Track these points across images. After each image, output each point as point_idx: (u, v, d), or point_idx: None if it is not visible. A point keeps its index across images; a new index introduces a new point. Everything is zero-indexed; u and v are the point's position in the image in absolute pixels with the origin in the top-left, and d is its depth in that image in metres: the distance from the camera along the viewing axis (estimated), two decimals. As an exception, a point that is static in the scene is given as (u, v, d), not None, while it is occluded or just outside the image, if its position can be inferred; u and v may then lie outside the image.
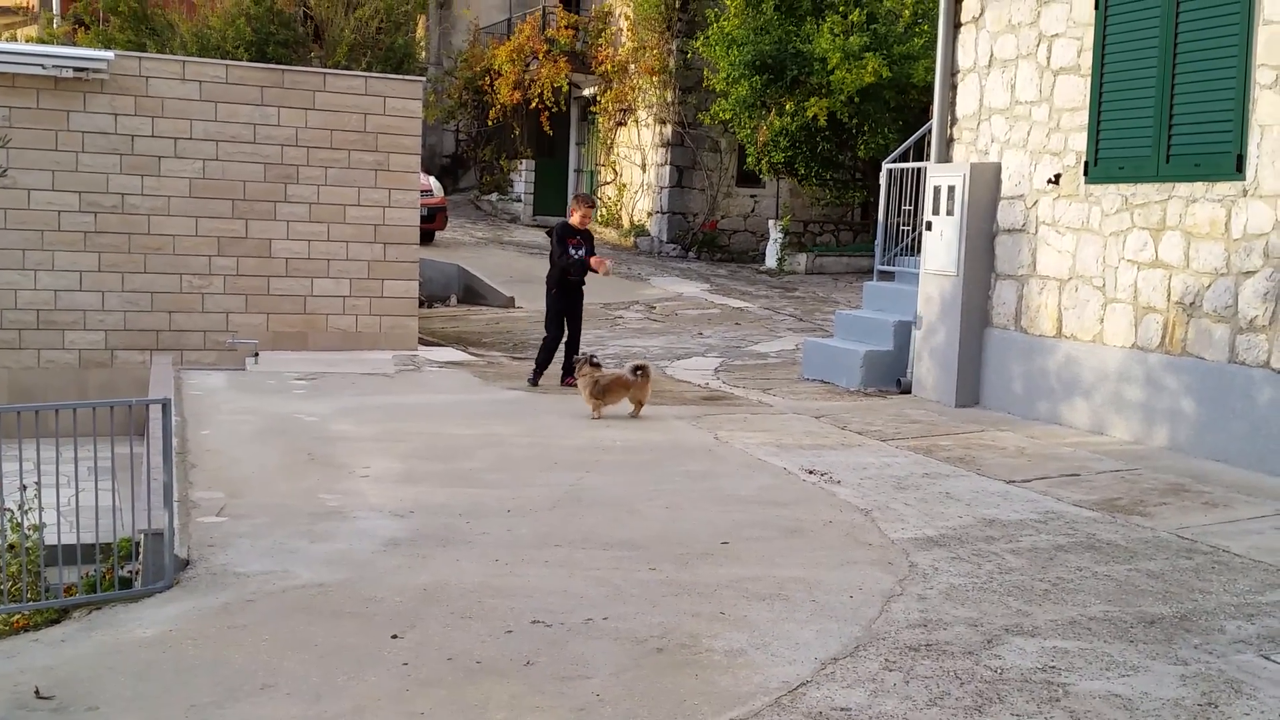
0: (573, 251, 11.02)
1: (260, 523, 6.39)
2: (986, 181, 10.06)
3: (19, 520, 5.89)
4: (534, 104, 26.48)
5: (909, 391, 10.81)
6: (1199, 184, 8.20)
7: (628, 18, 25.01)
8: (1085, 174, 9.11)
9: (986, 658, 4.63)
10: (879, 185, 12.21)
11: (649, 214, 24.79)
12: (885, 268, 12.18)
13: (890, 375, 11.03)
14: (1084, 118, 9.13)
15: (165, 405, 5.94)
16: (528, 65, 27.05)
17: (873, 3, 20.54)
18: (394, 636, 4.83)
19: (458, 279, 19.37)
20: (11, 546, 5.91)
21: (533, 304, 17.63)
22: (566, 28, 26.73)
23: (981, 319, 10.17)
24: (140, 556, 5.70)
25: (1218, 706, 4.21)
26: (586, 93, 27.28)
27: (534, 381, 11.04)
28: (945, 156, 10.69)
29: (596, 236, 25.03)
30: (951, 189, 10.21)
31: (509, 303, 18.04)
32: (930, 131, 10.98)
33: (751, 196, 24.56)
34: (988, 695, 4.28)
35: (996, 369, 10.04)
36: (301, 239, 12.42)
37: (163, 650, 4.77)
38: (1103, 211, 8.99)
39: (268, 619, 5.05)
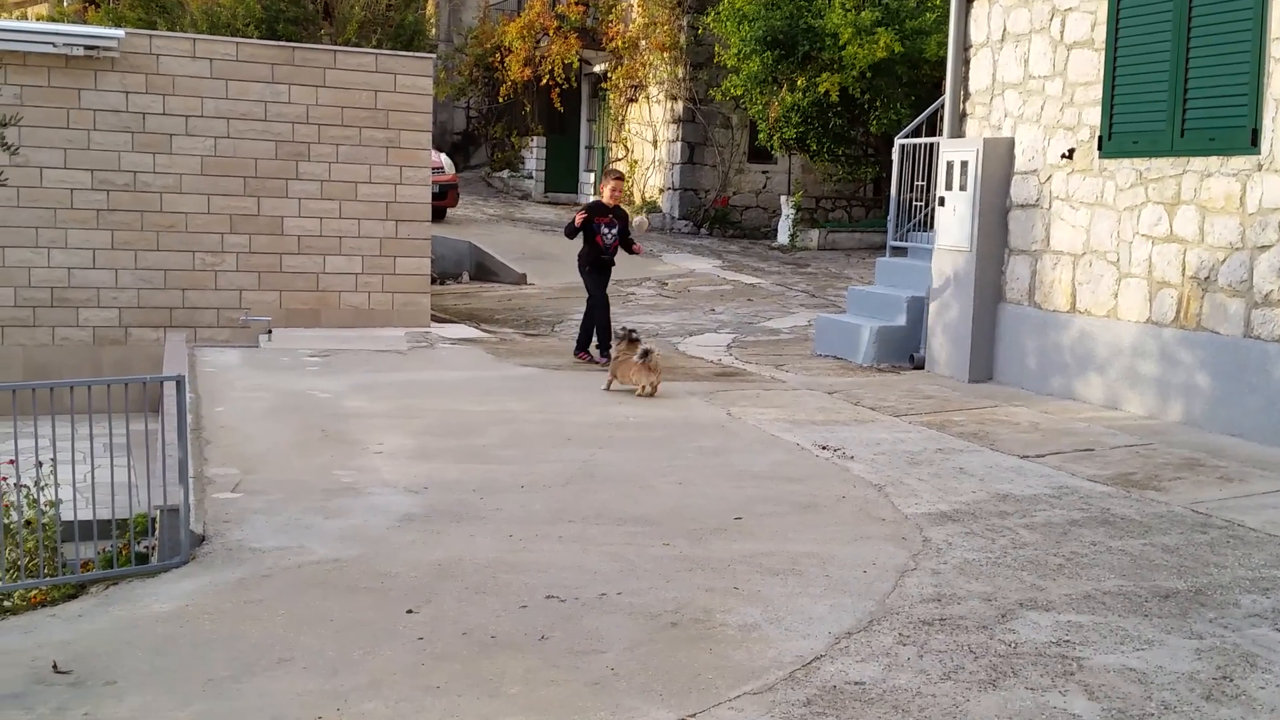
0: (605, 230, 10.88)
1: (275, 499, 6.42)
2: (1000, 156, 10.01)
3: (36, 496, 5.92)
4: (545, 80, 26.40)
5: (922, 367, 10.79)
6: (1214, 158, 8.15)
7: (638, -7, 24.93)
8: (1099, 148, 9.06)
9: (1001, 632, 4.63)
10: (891, 161, 12.17)
11: (660, 190, 24.74)
12: (898, 243, 12.15)
13: (903, 351, 11.01)
14: (1098, 92, 9.07)
15: (179, 382, 5.95)
16: (538, 42, 26.97)
17: (885, -23, 20.42)
18: (409, 611, 4.85)
19: (469, 256, 19.35)
20: (28, 522, 5.94)
21: (545, 281, 17.64)
22: (577, 4, 26.63)
23: (995, 294, 10.14)
24: (156, 532, 5.73)
25: (1232, 680, 4.21)
26: (597, 69, 27.19)
27: (603, 353, 10.79)
28: (958, 131, 10.64)
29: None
30: (964, 164, 10.17)
31: (521, 279, 18.02)
32: (943, 107, 10.93)
33: (763, 172, 24.48)
34: (1002, 669, 4.29)
35: (1010, 344, 10.01)
36: (313, 216, 12.42)
37: (179, 625, 4.79)
38: (1117, 186, 8.94)
39: (283, 594, 5.08)
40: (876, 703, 4.02)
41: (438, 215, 20.05)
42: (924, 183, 11.49)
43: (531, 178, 28.92)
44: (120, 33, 11.99)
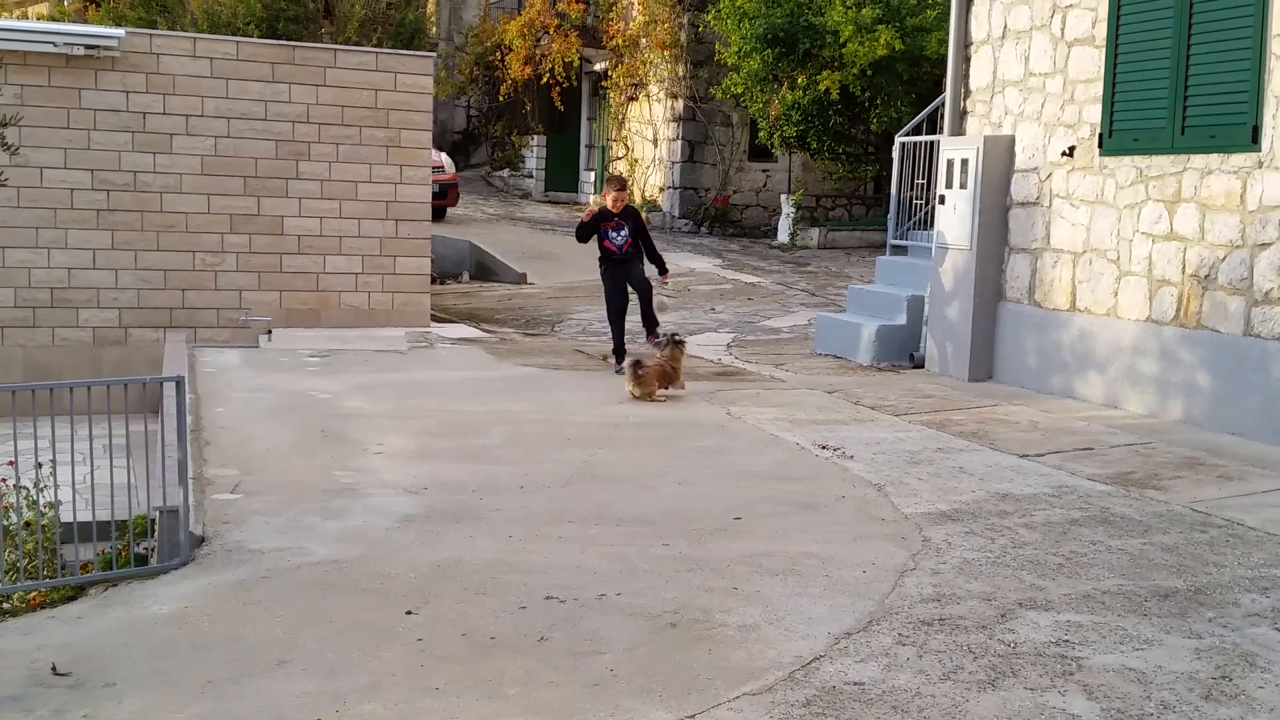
0: (613, 235, 10.73)
1: (275, 500, 6.42)
2: (1000, 154, 10.00)
3: (35, 498, 5.91)
4: (545, 79, 26.40)
5: (922, 366, 10.78)
6: (1214, 156, 8.14)
7: (638, -9, 24.94)
8: (1100, 146, 9.05)
9: (1000, 632, 4.63)
10: (891, 159, 12.16)
11: (661, 189, 24.73)
12: (898, 242, 12.14)
13: (903, 350, 11.00)
14: (1098, 89, 9.07)
15: (179, 383, 5.95)
16: (539, 40, 26.96)
17: (885, -25, 20.41)
18: (409, 612, 4.85)
19: (470, 255, 19.35)
20: (28, 524, 5.93)
21: (545, 280, 17.64)
22: (577, 2, 26.63)
23: (995, 293, 10.14)
24: (156, 534, 5.73)
25: (1232, 679, 4.21)
26: (598, 67, 27.19)
27: (617, 361, 10.66)
28: (958, 129, 10.64)
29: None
30: (965, 162, 10.16)
31: (521, 279, 18.02)
32: (943, 104, 10.92)
33: (763, 171, 24.47)
34: (1001, 669, 4.28)
35: (1010, 343, 10.01)
36: (313, 216, 12.41)
37: (179, 627, 4.79)
38: (1117, 184, 8.94)
39: (283, 595, 5.08)
40: (876, 703, 4.02)
41: (438, 215, 20.05)
42: (924, 181, 11.49)
43: (532, 177, 28.92)
44: (120, 32, 11.99)
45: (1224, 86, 8.04)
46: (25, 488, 5.87)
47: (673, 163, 24.31)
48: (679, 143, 24.18)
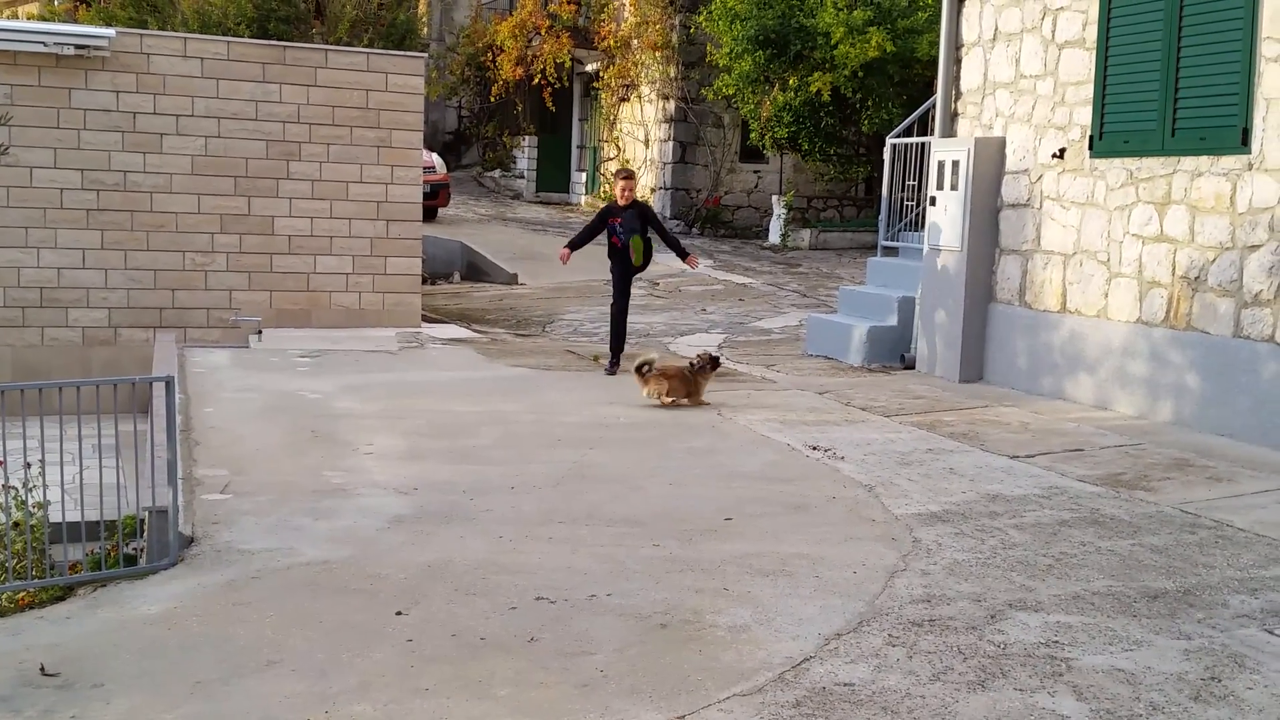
0: (619, 229, 10.59)
1: (264, 500, 6.41)
2: (991, 156, 10.02)
3: (24, 498, 5.90)
4: (536, 80, 26.38)
5: (913, 367, 10.80)
6: (1204, 158, 8.16)
7: (630, -7, 24.93)
8: (1090, 148, 9.07)
9: (990, 633, 4.64)
10: (883, 160, 12.16)
11: (652, 190, 24.73)
12: (889, 243, 12.16)
13: (894, 351, 11.02)
14: (1089, 91, 9.08)
15: (169, 383, 5.93)
16: (530, 41, 26.94)
17: (876, -24, 20.43)
18: (398, 613, 4.84)
19: (461, 256, 19.33)
20: (16, 524, 5.92)
21: (536, 281, 17.63)
22: (569, 3, 26.60)
23: (985, 294, 10.15)
24: (145, 534, 5.71)
25: (1221, 680, 4.22)
26: (589, 68, 27.18)
27: (611, 361, 10.58)
28: (949, 131, 10.65)
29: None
30: (956, 164, 10.17)
31: (512, 280, 18.01)
32: (934, 106, 10.93)
33: (755, 172, 24.47)
34: (991, 670, 4.29)
35: (1000, 344, 10.02)
36: (304, 216, 12.40)
37: (168, 627, 4.78)
38: (1107, 186, 8.95)
39: (272, 596, 5.07)
40: (866, 704, 4.02)
41: (429, 215, 19.99)
42: (915, 182, 11.50)
43: (523, 177, 28.89)
44: (111, 32, 11.95)
45: (1214, 89, 8.06)
46: (14, 488, 5.85)
47: (664, 164, 24.31)
48: (670, 144, 24.18)
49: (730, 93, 21.01)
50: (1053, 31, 9.45)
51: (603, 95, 26.65)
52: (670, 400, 9.02)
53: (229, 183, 12.09)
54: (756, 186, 24.54)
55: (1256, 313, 7.81)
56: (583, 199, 27.74)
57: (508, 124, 29.31)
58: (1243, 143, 7.85)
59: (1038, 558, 5.55)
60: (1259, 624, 4.75)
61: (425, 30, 28.27)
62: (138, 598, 5.15)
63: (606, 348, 10.82)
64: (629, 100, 25.78)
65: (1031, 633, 4.64)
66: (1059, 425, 8.48)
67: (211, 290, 12.10)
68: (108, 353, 11.68)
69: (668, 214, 24.12)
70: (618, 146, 26.32)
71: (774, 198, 23.11)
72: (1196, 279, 8.24)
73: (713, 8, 20.75)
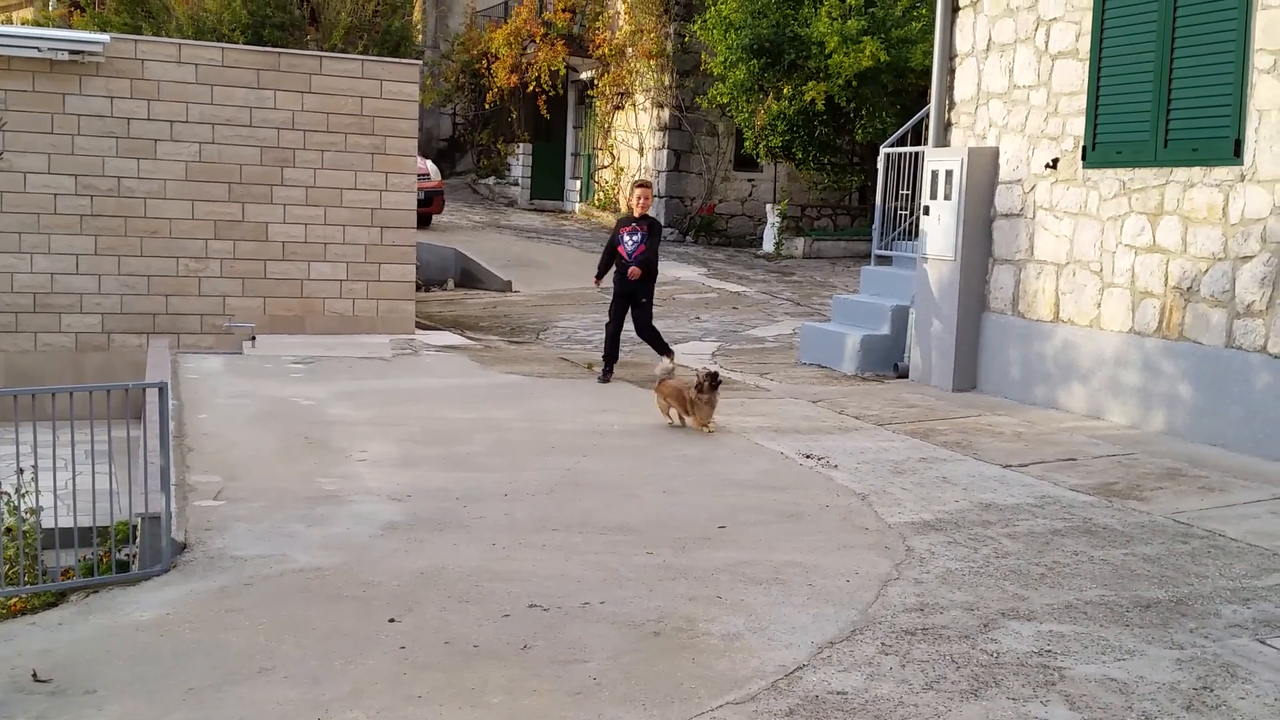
0: (627, 240, 10.50)
1: (257, 506, 6.40)
2: (984, 166, 10.04)
3: (16, 504, 5.89)
4: (531, 87, 26.42)
5: (906, 376, 10.81)
6: (1197, 169, 8.19)
7: (625, 1, 24.94)
8: (1083, 158, 9.10)
9: (983, 641, 4.64)
10: (877, 169, 12.20)
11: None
12: (883, 252, 12.17)
13: (887, 360, 11.03)
14: (1082, 102, 9.11)
15: (162, 389, 5.93)
16: (525, 48, 26.98)
17: (871, -14, 20.49)
18: (391, 620, 4.84)
19: (455, 263, 19.34)
20: (9, 530, 5.91)
21: (530, 288, 17.63)
22: (563, 11, 26.65)
23: (979, 304, 10.17)
24: (138, 540, 5.71)
25: (1213, 690, 4.22)
26: (584, 76, 27.22)
27: (607, 367, 10.48)
28: (943, 141, 10.67)
29: (596, 221, 24.84)
30: (949, 173, 10.20)
31: (506, 287, 18.01)
32: (928, 116, 10.96)
33: (749, 180, 24.51)
34: (984, 679, 4.29)
35: (993, 354, 10.04)
36: (298, 222, 12.40)
37: (160, 633, 4.77)
38: (1100, 196, 8.98)
39: (265, 602, 5.06)
40: (858, 712, 4.02)
41: (423, 222, 20.03)
42: (909, 192, 11.52)
43: (517, 185, 28.92)
44: (105, 38, 11.96)
45: (1207, 100, 8.09)
46: (6, 493, 5.85)
47: (658, 172, 24.34)
48: (665, 152, 24.21)
49: (725, 101, 21.05)
50: (1046, 42, 9.48)
51: (597, 103, 26.69)
52: (665, 411, 8.72)
53: (223, 189, 12.09)
54: (750, 195, 24.58)
55: (1249, 323, 7.83)
56: (577, 206, 27.76)
57: (502, 131, 29.34)
58: (1235, 154, 7.87)
59: (1030, 567, 5.56)
60: (1251, 634, 4.76)
61: (420, 37, 28.31)
62: (130, 604, 5.14)
63: (600, 355, 10.81)
64: (624, 108, 25.82)
65: (1024, 642, 4.64)
66: (1052, 435, 8.49)
67: (205, 296, 12.10)
68: (101, 358, 11.66)
69: (662, 221, 24.10)
70: (612, 154, 26.35)
71: (768, 206, 23.15)
72: (1189, 289, 8.26)
73: (707, 16, 20.80)
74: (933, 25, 11.04)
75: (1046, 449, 8.03)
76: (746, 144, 21.68)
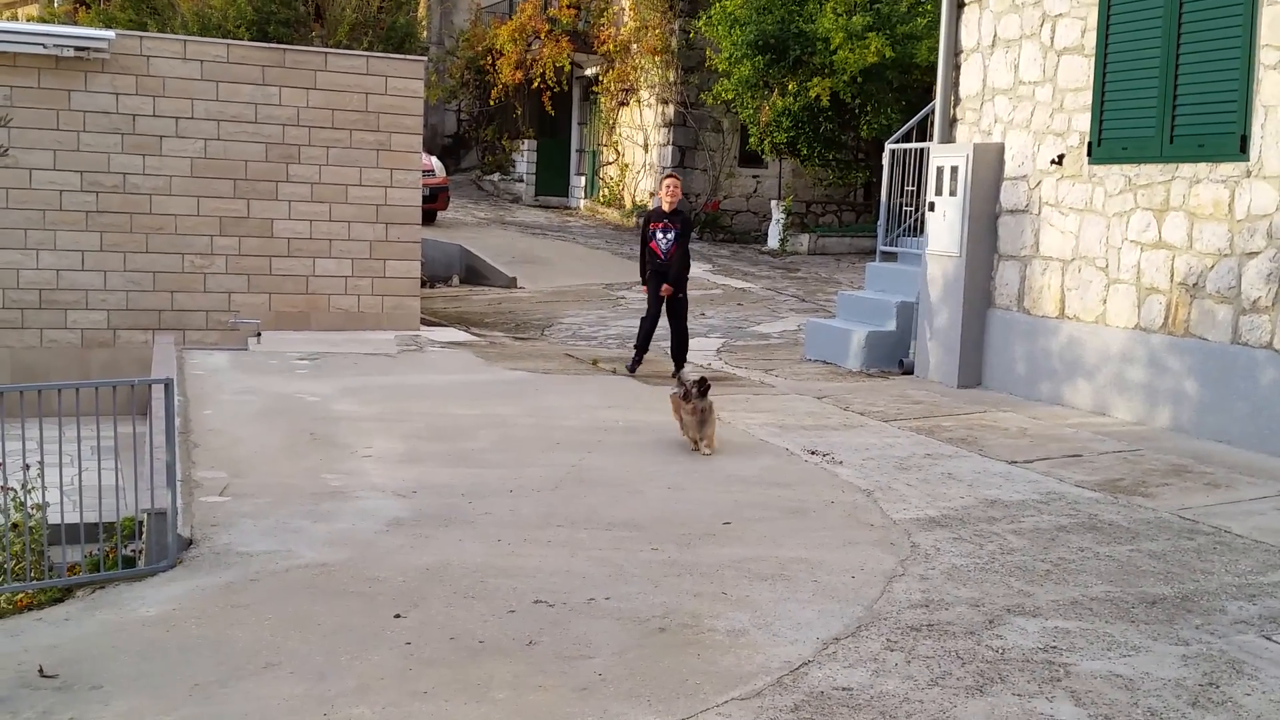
0: (660, 237, 10.51)
1: (263, 502, 6.40)
2: (989, 162, 10.03)
3: (22, 499, 5.90)
4: (536, 84, 26.39)
5: (911, 372, 10.80)
6: (1203, 165, 8.18)
7: (630, -3, 24.95)
8: (1089, 154, 9.08)
9: (988, 638, 4.64)
10: (882, 166, 12.18)
11: (651, 194, 24.73)
12: (888, 248, 12.16)
13: (893, 356, 11.02)
14: (1087, 98, 9.10)
15: (168, 385, 5.94)
16: (529, 45, 26.95)
17: (876, -18, 20.46)
18: (397, 616, 4.84)
19: (460, 259, 19.33)
20: (15, 525, 5.92)
21: (535, 284, 17.63)
22: (568, 7, 26.62)
23: (984, 300, 10.16)
24: (143, 536, 5.71)
25: (1219, 686, 4.22)
26: (589, 72, 27.19)
27: (636, 360, 10.64)
28: (948, 137, 10.66)
29: (601, 217, 24.78)
30: (954, 169, 10.19)
31: (511, 283, 18.00)
32: (933, 112, 10.95)
33: (754, 177, 24.49)
34: (989, 675, 4.29)
35: (999, 350, 10.03)
36: (303, 219, 12.40)
37: (166, 629, 4.78)
38: (1106, 192, 8.97)
39: (271, 598, 5.07)
40: (864, 709, 4.02)
41: (428, 218, 19.98)
42: (914, 188, 11.51)
43: (522, 181, 28.91)
44: (111, 34, 11.96)
45: (1213, 96, 8.07)
46: (13, 489, 5.85)
47: (663, 168, 24.30)
48: (670, 148, 24.20)
49: (729, 97, 21.03)
50: (1051, 38, 9.46)
51: (602, 99, 26.67)
52: (678, 417, 7.98)
53: (228, 185, 12.09)
54: (755, 191, 24.56)
55: (1255, 319, 7.82)
56: (582, 203, 27.75)
57: (507, 128, 29.33)
58: (1241, 150, 7.86)
59: (1036, 563, 5.55)
60: (1257, 630, 4.75)
61: (425, 34, 28.29)
62: (136, 600, 5.15)
63: (604, 351, 10.81)
64: (628, 104, 25.81)
65: (1030, 638, 4.64)
66: (1057, 431, 8.48)
67: (210, 293, 12.11)
68: (106, 354, 11.67)
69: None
70: (617, 150, 26.34)
71: (773, 202, 23.13)
72: (1195, 285, 8.25)
73: (712, 12, 20.76)
74: (938, 21, 11.02)
75: (1052, 445, 8.03)
76: (751, 140, 21.65)
